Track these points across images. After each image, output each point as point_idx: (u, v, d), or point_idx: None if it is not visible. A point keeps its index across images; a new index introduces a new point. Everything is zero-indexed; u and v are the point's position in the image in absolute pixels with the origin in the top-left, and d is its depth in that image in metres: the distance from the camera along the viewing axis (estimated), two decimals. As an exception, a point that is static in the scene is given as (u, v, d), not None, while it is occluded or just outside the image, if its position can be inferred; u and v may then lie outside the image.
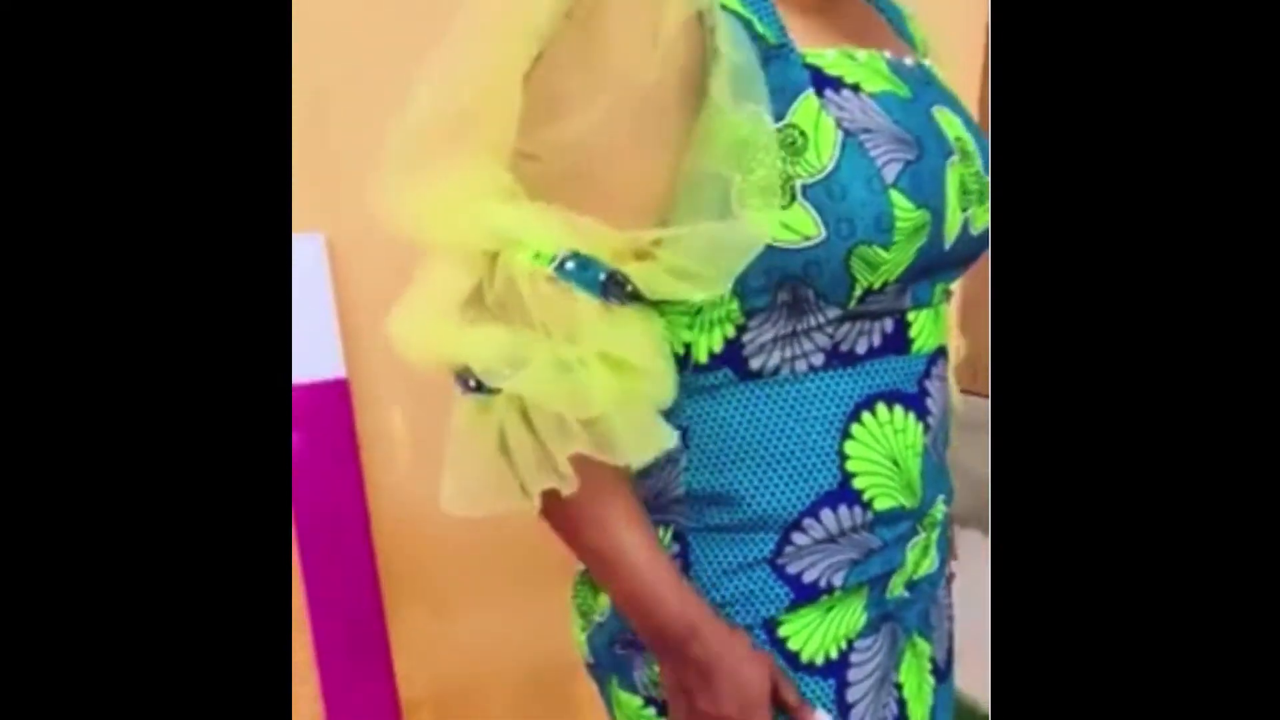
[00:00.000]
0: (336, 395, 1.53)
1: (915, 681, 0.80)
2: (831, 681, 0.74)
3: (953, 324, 0.93)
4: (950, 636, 0.88)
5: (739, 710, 0.70)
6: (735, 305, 0.71)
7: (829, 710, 0.74)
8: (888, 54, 0.75)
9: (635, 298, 0.66)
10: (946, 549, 0.85)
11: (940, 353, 0.78)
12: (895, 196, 0.67)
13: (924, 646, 0.83)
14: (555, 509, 0.68)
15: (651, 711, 0.79)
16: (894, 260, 0.68)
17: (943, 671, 0.85)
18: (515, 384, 0.63)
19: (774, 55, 0.68)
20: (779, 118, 0.67)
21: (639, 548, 0.70)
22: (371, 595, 1.69)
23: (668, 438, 0.68)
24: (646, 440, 0.66)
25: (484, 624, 1.68)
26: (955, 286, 0.82)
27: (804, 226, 0.67)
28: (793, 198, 0.66)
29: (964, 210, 0.73)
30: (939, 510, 0.80)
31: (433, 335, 0.65)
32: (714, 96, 0.64)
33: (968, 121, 0.78)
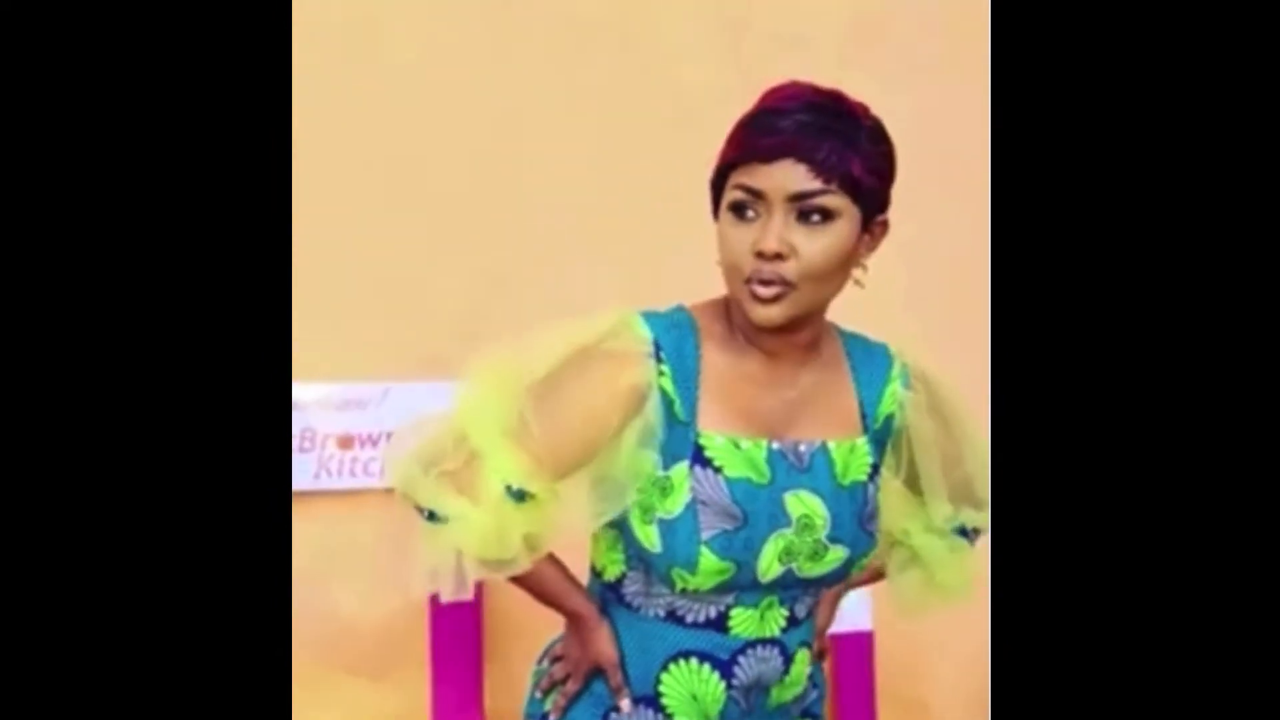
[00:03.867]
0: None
1: None
2: None
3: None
4: None
5: (588, 662, 1.12)
6: (621, 558, 1.12)
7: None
8: (776, 445, 1.08)
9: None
10: None
11: (765, 642, 1.11)
12: (703, 550, 1.03)
13: None
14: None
15: None
16: (698, 582, 1.05)
17: None
18: (459, 532, 1.02)
19: (678, 426, 1.05)
20: (665, 469, 1.05)
21: (555, 585, 1.14)
22: (473, 631, 1.89)
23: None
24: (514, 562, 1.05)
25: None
26: (811, 598, 1.15)
27: (651, 541, 1.05)
28: (652, 521, 1.04)
29: (783, 564, 1.07)
30: None
31: (412, 480, 1.02)
32: (625, 437, 1.04)
33: (835, 498, 1.09)
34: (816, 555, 1.07)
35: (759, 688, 1.12)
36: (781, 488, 1.07)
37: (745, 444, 1.06)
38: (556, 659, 1.19)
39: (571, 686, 1.14)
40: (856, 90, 1.03)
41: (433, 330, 1.88)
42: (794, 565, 1.07)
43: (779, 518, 1.06)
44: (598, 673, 1.13)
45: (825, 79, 1.04)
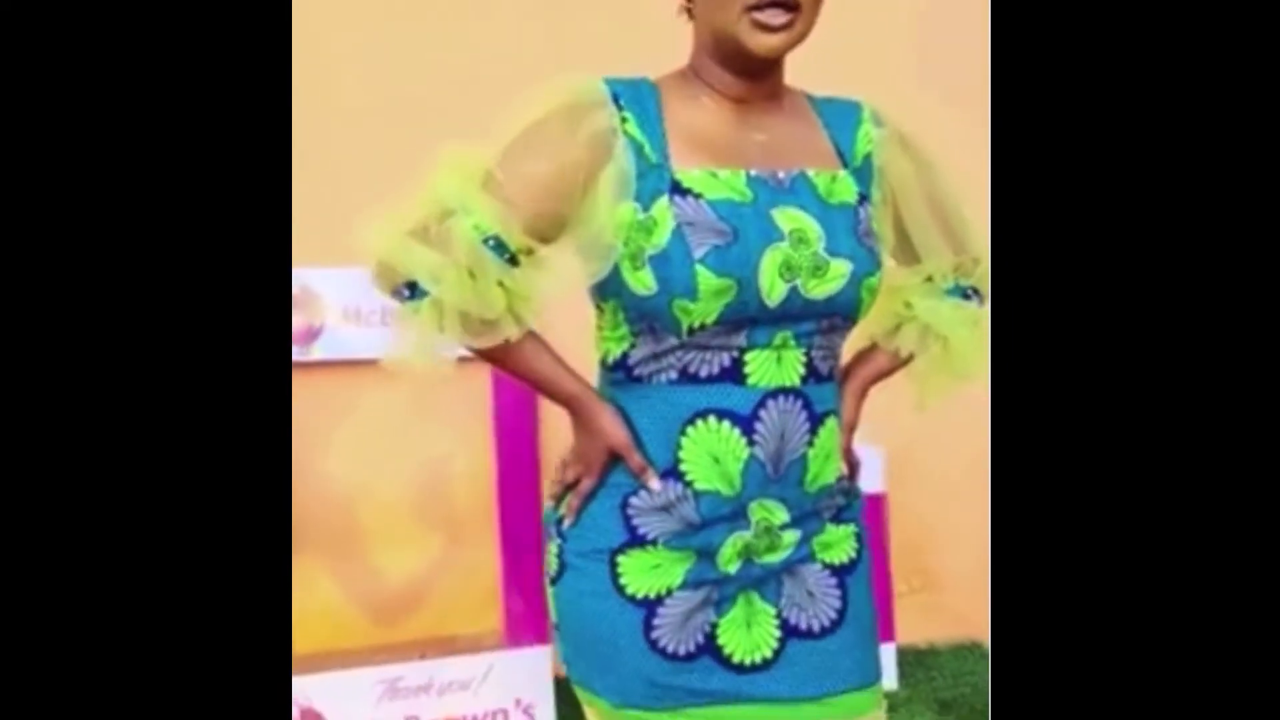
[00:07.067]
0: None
1: (736, 626, 1.10)
2: (642, 613, 1.07)
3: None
4: (836, 608, 1.14)
5: (598, 451, 1.09)
6: (625, 330, 1.08)
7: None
8: (754, 171, 1.07)
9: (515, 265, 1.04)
10: (809, 548, 1.13)
11: (787, 392, 1.07)
12: (699, 268, 1.01)
13: (763, 607, 1.11)
14: (490, 355, 1.09)
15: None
16: (701, 309, 1.02)
17: (803, 631, 1.12)
18: (438, 291, 1.01)
19: (651, 170, 1.05)
20: (646, 210, 1.03)
21: (545, 365, 1.11)
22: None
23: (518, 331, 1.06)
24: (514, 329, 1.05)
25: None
26: (828, 341, 1.10)
27: (647, 284, 1.03)
28: (643, 264, 1.02)
29: (786, 281, 1.04)
30: (775, 515, 1.10)
31: (391, 246, 1.02)
32: (600, 188, 1.03)
33: (825, 215, 1.07)
34: (819, 270, 1.05)
35: (789, 453, 1.08)
36: (767, 204, 1.06)
37: (723, 173, 1.06)
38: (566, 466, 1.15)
39: (586, 484, 1.10)
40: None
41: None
42: (798, 282, 1.04)
43: (770, 231, 1.04)
44: (613, 461, 1.09)
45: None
